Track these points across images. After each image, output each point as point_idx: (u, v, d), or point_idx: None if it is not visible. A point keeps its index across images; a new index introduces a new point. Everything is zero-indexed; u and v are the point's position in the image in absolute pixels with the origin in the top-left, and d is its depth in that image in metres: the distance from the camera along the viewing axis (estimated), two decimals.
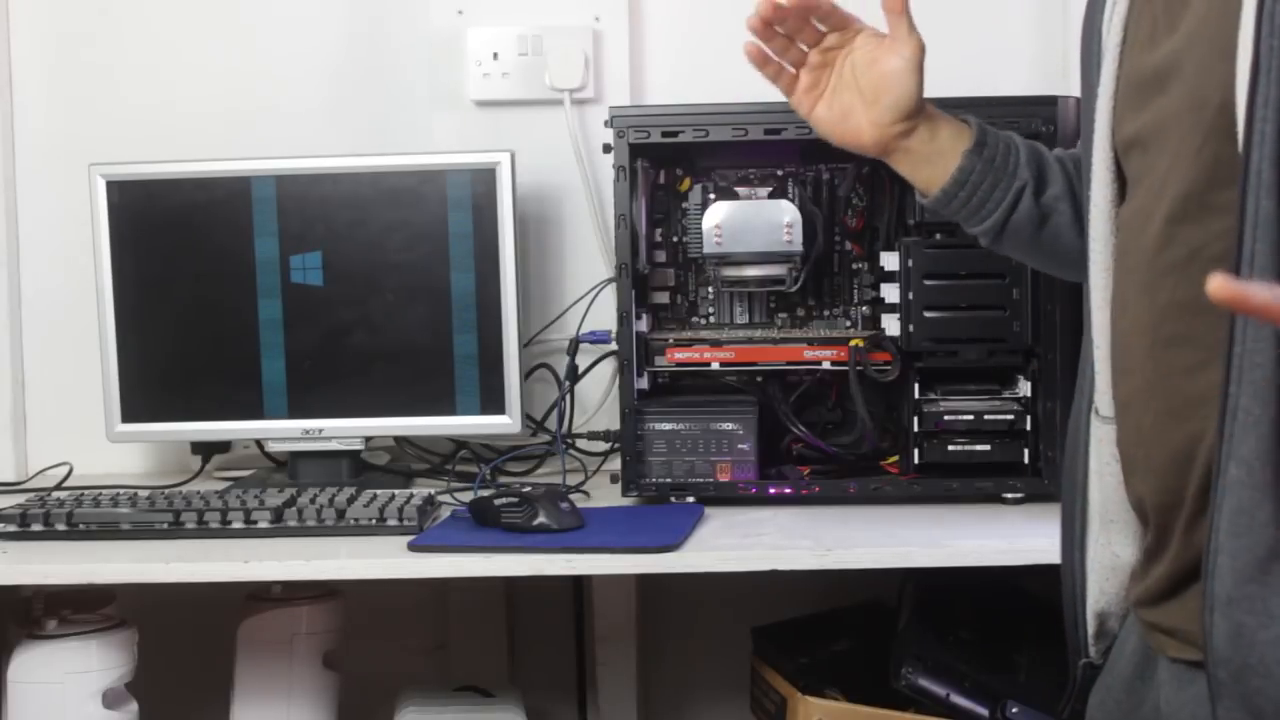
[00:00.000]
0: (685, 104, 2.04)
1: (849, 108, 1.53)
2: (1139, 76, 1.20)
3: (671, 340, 2.04)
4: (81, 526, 1.86)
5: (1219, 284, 0.82)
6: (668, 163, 2.11)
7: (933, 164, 1.53)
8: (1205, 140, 1.10)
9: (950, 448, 1.96)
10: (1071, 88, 2.12)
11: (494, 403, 2.14)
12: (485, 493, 1.91)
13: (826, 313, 2.14)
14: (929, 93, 1.98)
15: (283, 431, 2.18)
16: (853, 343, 1.99)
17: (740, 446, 1.98)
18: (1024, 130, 1.90)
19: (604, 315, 2.22)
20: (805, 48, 1.55)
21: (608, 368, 2.27)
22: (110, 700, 1.88)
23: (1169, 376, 1.13)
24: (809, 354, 2.01)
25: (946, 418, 1.96)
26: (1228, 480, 1.06)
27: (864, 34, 1.53)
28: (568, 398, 2.23)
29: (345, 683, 2.09)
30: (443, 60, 2.30)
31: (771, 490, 1.97)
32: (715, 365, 2.03)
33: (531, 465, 2.23)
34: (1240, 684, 1.07)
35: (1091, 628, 1.27)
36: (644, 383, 2.03)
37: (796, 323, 2.15)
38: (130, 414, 2.18)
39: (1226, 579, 1.07)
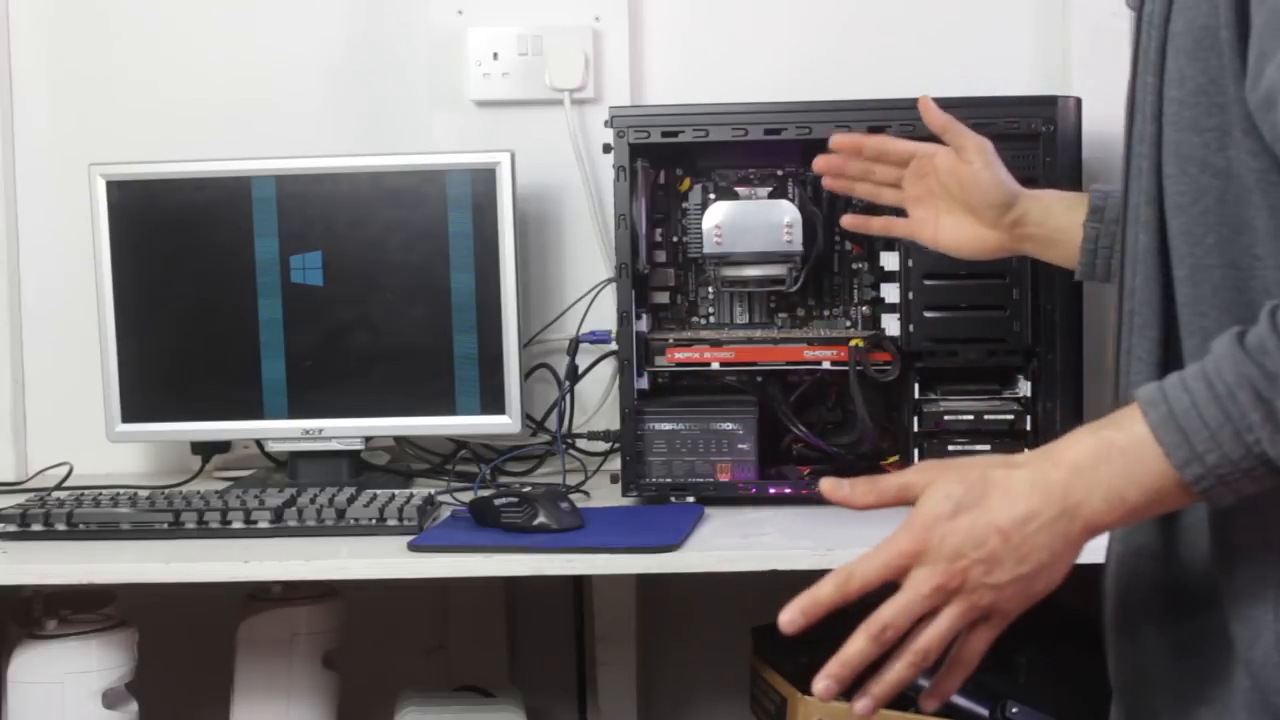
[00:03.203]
0: (685, 104, 2.04)
1: (961, 221, 1.52)
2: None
3: (671, 340, 2.04)
4: (81, 526, 1.86)
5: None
6: (668, 163, 2.11)
7: (1060, 243, 1.50)
8: (1128, 172, 1.13)
9: (950, 448, 1.96)
10: (1071, 88, 2.14)
11: (494, 403, 2.14)
12: (485, 493, 1.91)
13: (826, 313, 2.14)
14: (928, 91, 1.99)
15: (283, 431, 2.18)
16: (853, 343, 1.99)
17: (740, 446, 1.98)
18: (1024, 130, 1.91)
19: (604, 315, 2.22)
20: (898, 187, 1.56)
21: (608, 368, 2.28)
22: (110, 700, 1.88)
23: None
24: (809, 354, 2.01)
25: (946, 418, 1.96)
26: None
27: (940, 152, 1.52)
28: (568, 398, 2.23)
29: (345, 683, 2.09)
30: (443, 60, 2.30)
31: (771, 490, 1.97)
32: (715, 365, 2.03)
33: (531, 465, 2.23)
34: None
35: None
36: (644, 383, 2.03)
37: (796, 323, 2.15)
38: (130, 414, 2.18)
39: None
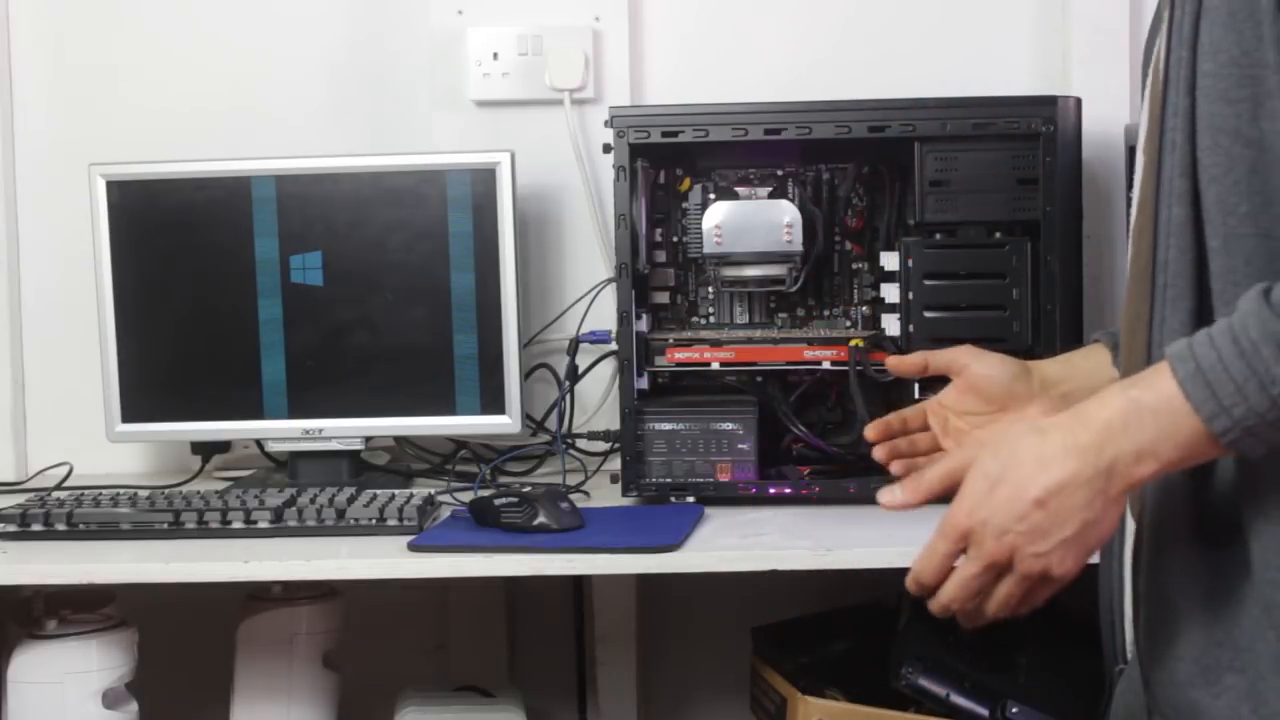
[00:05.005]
0: (685, 104, 2.04)
1: (1002, 423, 1.38)
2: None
3: (671, 340, 2.04)
4: (81, 526, 1.86)
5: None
6: (668, 163, 2.11)
7: (1096, 389, 1.40)
8: (1156, 153, 1.12)
9: None
10: (1071, 88, 2.14)
11: (494, 403, 2.14)
12: (485, 493, 1.91)
13: (826, 313, 2.14)
14: (928, 91, 2.00)
15: (283, 431, 2.18)
16: (853, 343, 1.99)
17: (740, 446, 1.98)
18: (1024, 130, 1.91)
19: (604, 315, 2.22)
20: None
21: (608, 368, 2.27)
22: (110, 700, 1.88)
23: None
24: (809, 354, 2.01)
25: None
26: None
27: (937, 400, 1.42)
28: (568, 398, 2.23)
29: (345, 683, 2.09)
30: (443, 60, 2.30)
31: (771, 490, 1.97)
32: (715, 365, 2.03)
33: (531, 465, 2.23)
34: (1154, 673, 1.12)
35: (1129, 635, 1.28)
36: (644, 383, 2.03)
37: (796, 323, 2.15)
38: (130, 414, 2.18)
39: (1145, 576, 1.13)
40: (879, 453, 1.41)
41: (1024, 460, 1.04)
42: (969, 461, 1.08)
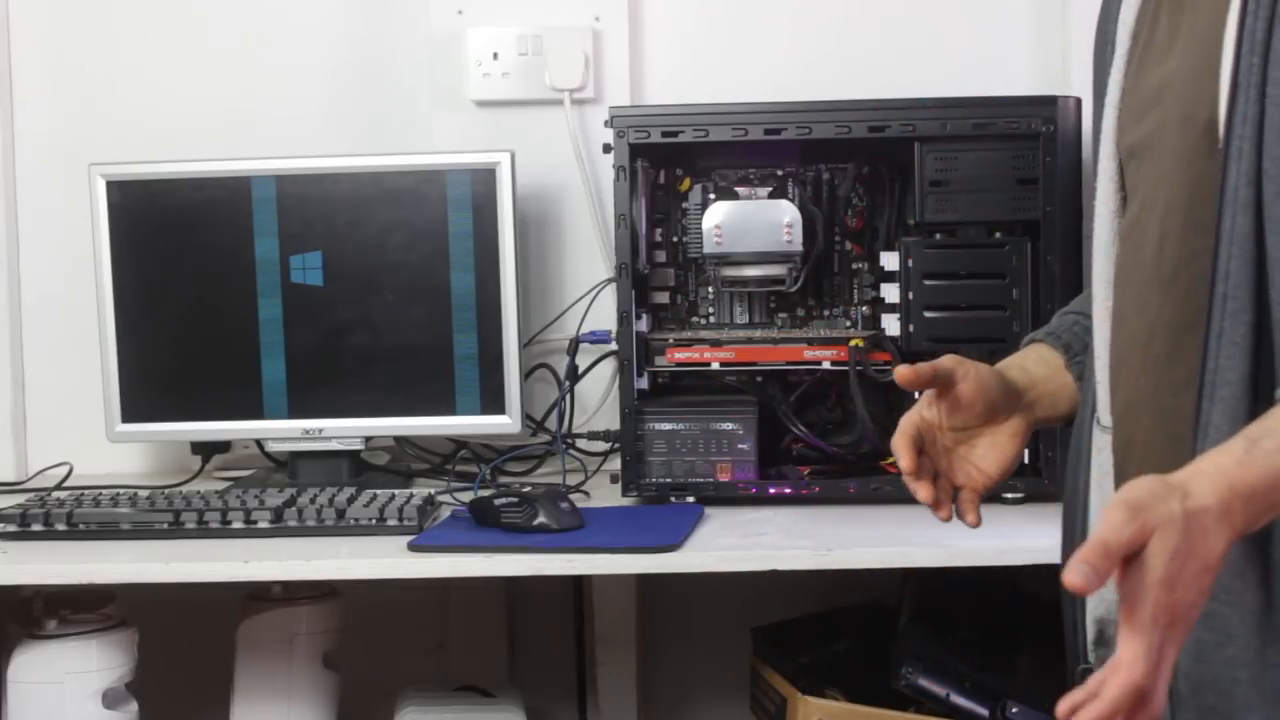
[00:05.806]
0: (685, 104, 2.04)
1: (984, 439, 1.39)
2: (1142, 88, 1.20)
3: (671, 340, 2.04)
4: (81, 526, 1.86)
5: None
6: (668, 163, 2.11)
7: (1060, 393, 1.40)
8: (1192, 157, 1.11)
9: None
10: (1071, 88, 2.14)
11: (494, 403, 2.14)
12: (485, 493, 1.91)
13: (826, 313, 2.14)
14: (928, 91, 2.00)
15: (283, 431, 2.18)
16: (853, 343, 1.99)
17: (740, 446, 1.98)
18: (1024, 130, 1.91)
19: (604, 315, 2.22)
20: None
21: (608, 368, 2.27)
22: (110, 700, 1.88)
23: (1159, 393, 1.14)
24: (809, 354, 2.01)
25: None
26: None
27: (926, 412, 1.39)
28: (568, 398, 2.23)
29: (345, 683, 2.09)
30: (443, 60, 2.30)
31: (771, 490, 1.97)
32: (715, 365, 2.03)
33: (531, 465, 2.23)
34: (1197, 699, 1.10)
35: (1091, 634, 1.27)
36: (644, 383, 2.03)
37: (796, 323, 2.15)
38: (130, 414, 2.18)
39: None
40: (924, 493, 1.31)
41: (1193, 530, 0.98)
42: (1141, 533, 0.98)
